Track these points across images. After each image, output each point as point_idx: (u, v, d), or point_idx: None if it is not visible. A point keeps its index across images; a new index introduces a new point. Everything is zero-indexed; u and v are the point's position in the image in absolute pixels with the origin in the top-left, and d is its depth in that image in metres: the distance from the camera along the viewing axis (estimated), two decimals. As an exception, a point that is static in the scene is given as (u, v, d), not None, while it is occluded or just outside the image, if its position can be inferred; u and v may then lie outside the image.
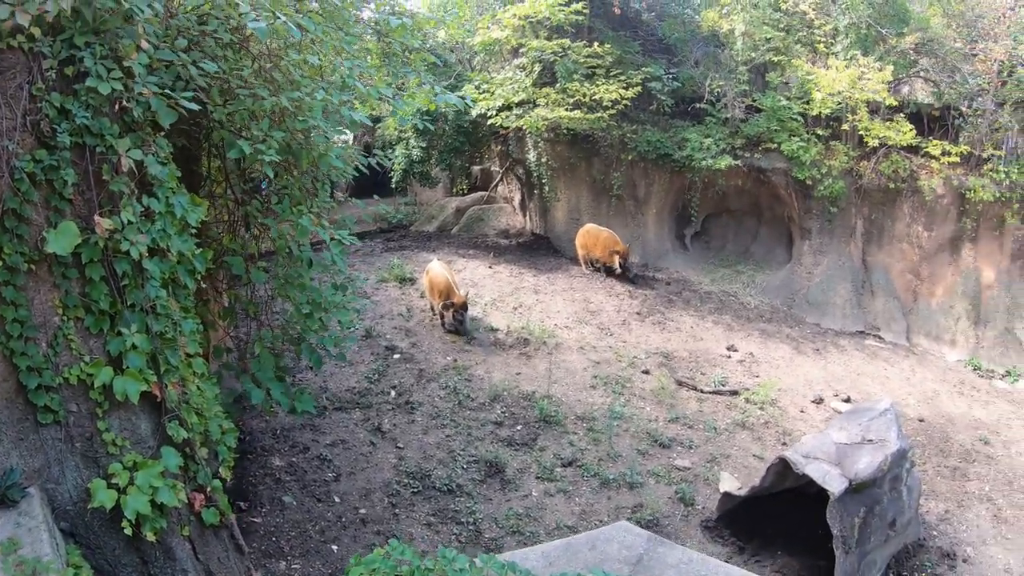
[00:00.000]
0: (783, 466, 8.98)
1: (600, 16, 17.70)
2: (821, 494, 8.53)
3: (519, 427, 11.02)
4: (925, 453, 12.08)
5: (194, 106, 5.52)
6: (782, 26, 17.63)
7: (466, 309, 13.42)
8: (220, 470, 6.14)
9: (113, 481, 5.13)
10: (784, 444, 11.62)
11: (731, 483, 10.22)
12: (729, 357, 14.59)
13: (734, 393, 13.15)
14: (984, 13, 17.14)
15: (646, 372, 13.36)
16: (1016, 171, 15.95)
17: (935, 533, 10.17)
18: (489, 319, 14.39)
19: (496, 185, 23.10)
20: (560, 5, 16.22)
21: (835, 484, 8.41)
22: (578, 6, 16.39)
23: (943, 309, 17.01)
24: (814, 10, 17.70)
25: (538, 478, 9.97)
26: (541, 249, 19.34)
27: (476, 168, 23.79)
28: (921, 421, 13.12)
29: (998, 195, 16.00)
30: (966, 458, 12.14)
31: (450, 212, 22.09)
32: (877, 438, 9.32)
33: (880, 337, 16.87)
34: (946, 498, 11.03)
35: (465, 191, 24.03)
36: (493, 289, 15.86)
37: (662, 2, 18.51)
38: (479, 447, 10.35)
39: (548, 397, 11.83)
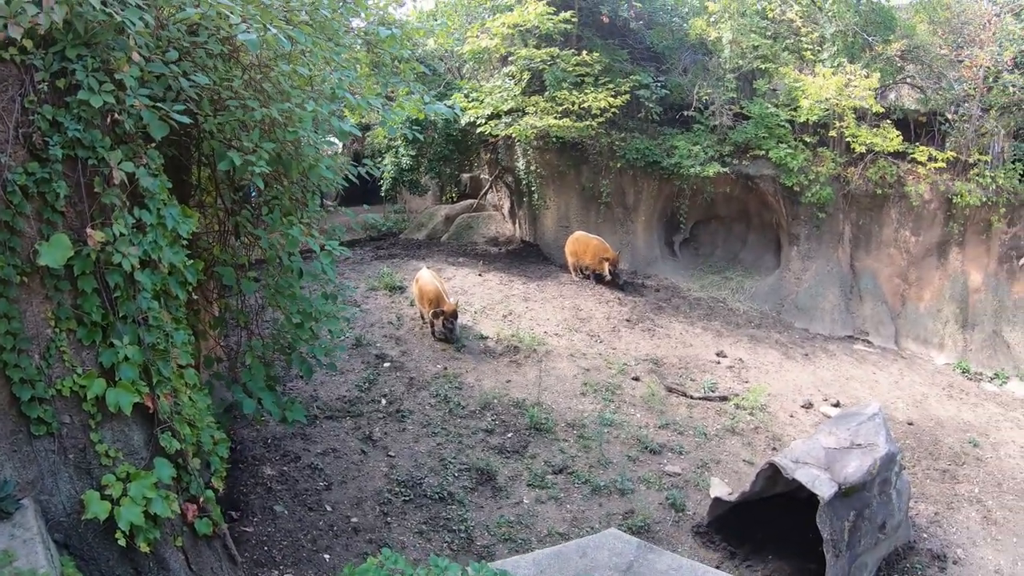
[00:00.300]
0: (773, 471, 9.03)
1: (589, 25, 17.81)
2: (811, 498, 8.59)
3: (510, 435, 11.03)
4: (914, 456, 12.18)
5: (185, 119, 5.54)
6: (769, 34, 17.79)
7: (456, 317, 13.43)
8: (212, 480, 6.16)
9: (106, 492, 5.14)
10: (774, 449, 11.66)
11: (721, 488, 10.27)
12: (718, 363, 14.65)
13: (724, 399, 13.20)
14: (969, 20, 17.35)
15: (636, 379, 13.39)
16: (1002, 176, 16.15)
17: (925, 535, 10.25)
18: (479, 327, 14.41)
19: (485, 193, 23.13)
20: (549, 14, 16.31)
21: (824, 488, 8.47)
22: (567, 15, 16.49)
23: (931, 313, 17.17)
24: (801, 18, 17.88)
25: (529, 485, 9.98)
26: (530, 257, 19.36)
27: (465, 176, 23.84)
28: (910, 424, 13.22)
29: (984, 200, 16.19)
30: (955, 460, 12.25)
31: (439, 220, 22.09)
32: (866, 442, 9.40)
33: (869, 341, 17.00)
34: (936, 500, 11.12)
35: (454, 199, 24.07)
36: (483, 297, 15.87)
37: (650, 11, 18.66)
38: (470, 455, 10.36)
39: (538, 404, 11.84)
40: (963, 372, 16.18)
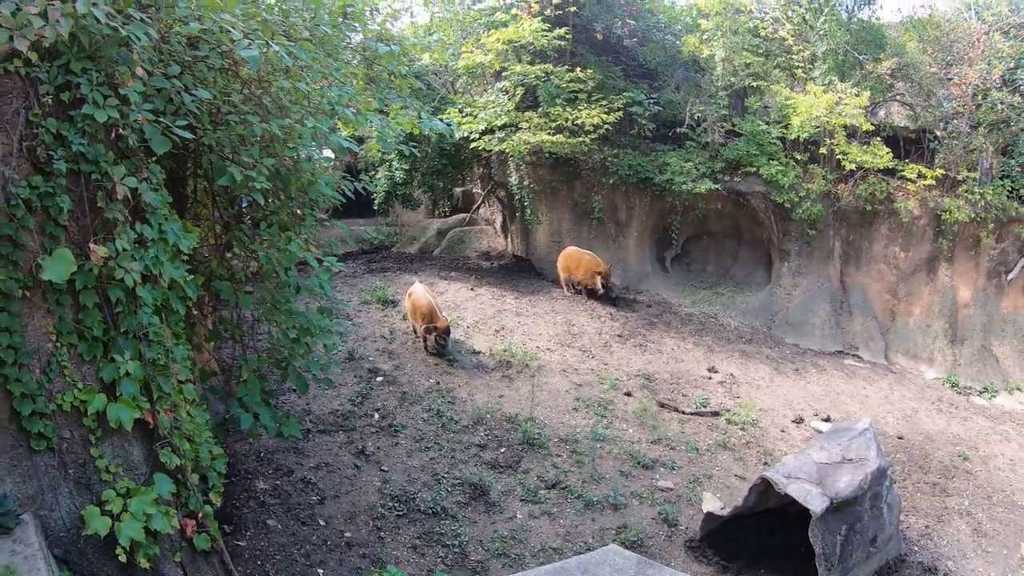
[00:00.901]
0: (765, 486, 9.08)
1: (582, 41, 17.92)
2: (803, 513, 8.64)
3: (503, 450, 11.03)
4: (905, 470, 12.26)
5: (188, 135, 5.56)
6: (761, 52, 17.95)
7: (448, 333, 13.41)
8: (210, 495, 6.14)
9: (107, 508, 5.12)
10: (765, 464, 11.71)
11: (714, 503, 10.30)
12: (710, 378, 14.71)
13: (715, 414, 13.24)
14: (959, 38, 17.57)
15: (628, 394, 13.42)
16: (991, 192, 16.37)
17: (916, 548, 10.32)
18: (471, 342, 14.41)
19: (478, 207, 23.18)
20: (543, 31, 16.43)
21: (816, 503, 8.53)
22: (561, 31, 16.61)
23: (921, 328, 17.32)
24: (793, 36, 18.05)
25: (522, 500, 9.98)
26: (523, 271, 19.40)
27: (458, 190, 23.88)
28: (900, 439, 13.30)
29: (973, 216, 16.39)
30: (945, 474, 12.35)
31: (432, 234, 22.12)
32: (857, 457, 9.48)
33: (859, 356, 17.10)
34: (926, 514, 11.20)
35: (447, 213, 24.09)
36: (475, 311, 15.89)
37: (644, 28, 18.78)
38: (463, 470, 10.35)
39: (531, 419, 11.84)
40: (952, 386, 16.30)
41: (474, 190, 23.66)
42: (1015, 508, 11.70)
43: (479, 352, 14.04)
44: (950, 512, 11.32)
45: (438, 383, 12.60)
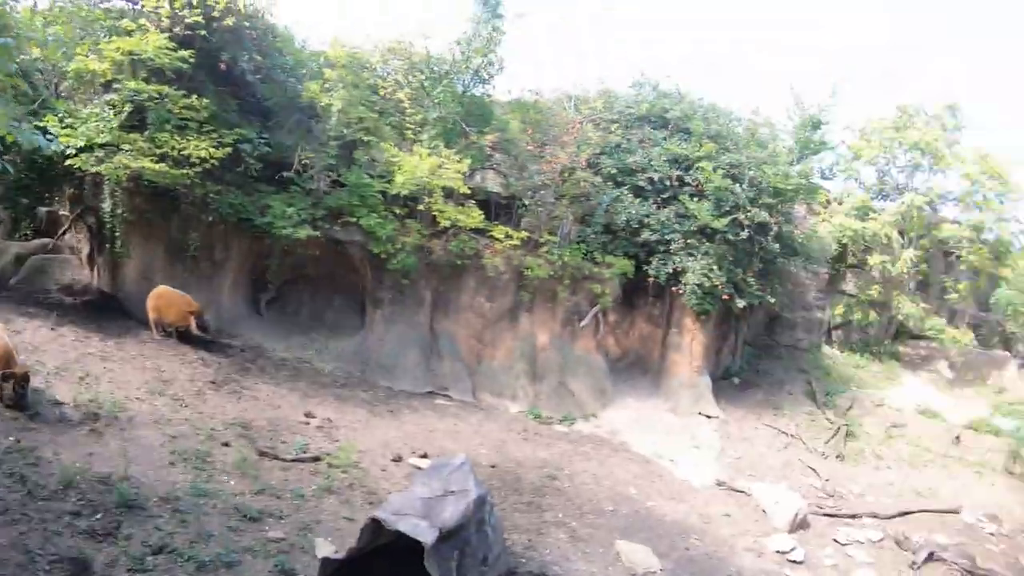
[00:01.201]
0: (376, 525, 9.41)
1: (205, 68, 17.16)
2: (419, 545, 9.21)
3: (99, 515, 9.94)
4: (502, 494, 13.59)
5: None
6: (377, 109, 18.90)
7: (28, 381, 11.87)
8: None
9: None
10: (371, 504, 12.06)
11: (327, 548, 10.46)
12: (308, 423, 14.91)
13: (316, 459, 13.35)
14: (556, 123, 20.60)
15: (226, 444, 12.99)
16: (568, 254, 19.33)
17: (524, 560, 11.46)
18: (53, 390, 12.83)
19: (64, 232, 20.53)
20: (168, 48, 15.62)
21: (427, 535, 9.11)
22: (186, 53, 15.93)
23: (504, 369, 19.55)
24: (409, 100, 19.44)
25: (129, 571, 9.09)
26: (110, 310, 17.83)
27: (43, 210, 20.69)
28: (493, 467, 14.75)
29: (552, 273, 19.08)
30: (538, 493, 13.99)
31: (9, 259, 19.24)
32: (458, 488, 10.32)
33: (449, 396, 18.67)
34: (527, 529, 12.54)
35: (29, 236, 20.82)
36: (57, 355, 14.27)
37: (269, 66, 18.61)
38: (59, 543, 9.14)
39: (126, 479, 10.84)
40: (536, 418, 18.60)
41: (61, 212, 20.82)
42: (603, 514, 13.69)
43: (63, 403, 12.59)
44: (548, 525, 12.83)
45: (19, 441, 11.04)
